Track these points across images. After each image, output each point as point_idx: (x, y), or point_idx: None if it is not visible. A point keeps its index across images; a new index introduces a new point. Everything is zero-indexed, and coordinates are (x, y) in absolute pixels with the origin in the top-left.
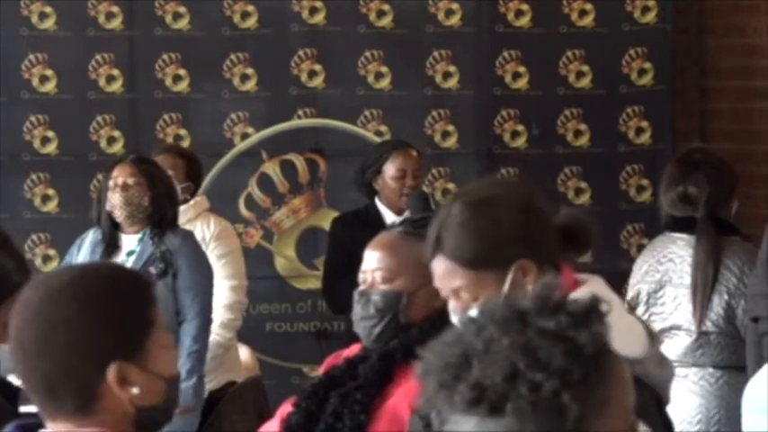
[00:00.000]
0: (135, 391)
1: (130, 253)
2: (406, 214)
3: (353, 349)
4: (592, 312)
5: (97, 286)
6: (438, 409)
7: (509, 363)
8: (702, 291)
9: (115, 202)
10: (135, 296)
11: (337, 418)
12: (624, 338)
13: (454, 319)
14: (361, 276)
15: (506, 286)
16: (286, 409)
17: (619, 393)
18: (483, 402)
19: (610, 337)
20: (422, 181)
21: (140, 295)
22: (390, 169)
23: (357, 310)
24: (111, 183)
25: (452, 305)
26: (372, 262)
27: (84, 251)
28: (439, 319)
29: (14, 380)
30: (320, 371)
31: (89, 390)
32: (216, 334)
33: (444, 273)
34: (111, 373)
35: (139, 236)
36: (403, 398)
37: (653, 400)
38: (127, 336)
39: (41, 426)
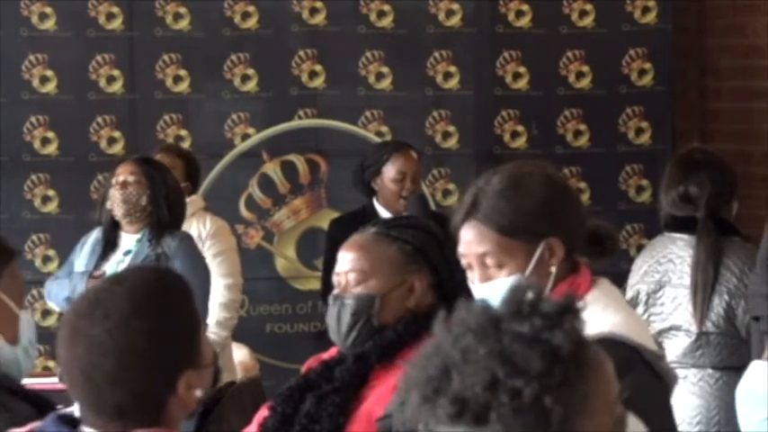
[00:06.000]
0: (198, 393)
1: (127, 252)
2: None
3: (331, 352)
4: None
5: (155, 305)
6: (424, 422)
7: (488, 372)
8: (703, 291)
9: (114, 199)
10: (186, 302)
11: (312, 419)
12: (644, 334)
13: (473, 288)
14: (335, 279)
15: (533, 261)
16: (263, 413)
17: (600, 387)
18: (466, 414)
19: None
20: (420, 186)
21: (189, 298)
22: (390, 171)
23: (332, 314)
24: (113, 180)
25: (472, 275)
26: (346, 264)
27: (86, 249)
28: (412, 320)
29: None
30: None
31: (161, 406)
32: (212, 333)
33: (474, 237)
34: (182, 385)
35: (138, 236)
36: (378, 401)
37: (666, 395)
38: (188, 345)
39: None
